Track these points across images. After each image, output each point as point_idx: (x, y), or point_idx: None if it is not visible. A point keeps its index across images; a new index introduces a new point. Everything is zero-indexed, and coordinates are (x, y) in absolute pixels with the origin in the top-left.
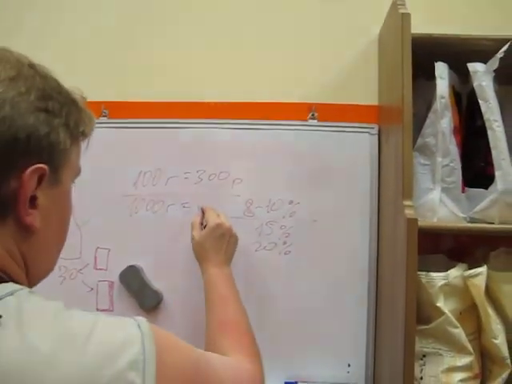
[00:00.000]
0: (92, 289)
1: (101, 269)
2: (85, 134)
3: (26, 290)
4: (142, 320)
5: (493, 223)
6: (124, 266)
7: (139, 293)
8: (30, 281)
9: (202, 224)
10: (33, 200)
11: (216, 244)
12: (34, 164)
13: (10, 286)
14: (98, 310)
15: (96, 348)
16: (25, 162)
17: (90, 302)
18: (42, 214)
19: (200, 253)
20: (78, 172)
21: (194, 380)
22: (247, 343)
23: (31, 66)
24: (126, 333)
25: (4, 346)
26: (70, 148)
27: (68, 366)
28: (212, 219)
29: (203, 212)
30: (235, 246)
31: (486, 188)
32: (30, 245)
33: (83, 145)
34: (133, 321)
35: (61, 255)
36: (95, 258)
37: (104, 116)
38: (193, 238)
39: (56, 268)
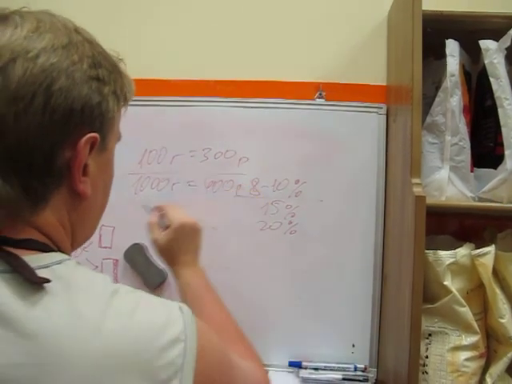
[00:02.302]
0: (97, 267)
1: (105, 247)
2: (127, 99)
3: (74, 260)
4: (183, 305)
5: (501, 203)
6: (128, 245)
7: (144, 271)
8: (73, 248)
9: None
10: (85, 168)
11: (184, 244)
12: (87, 133)
13: (57, 256)
14: None
15: (140, 323)
16: (79, 132)
17: None
18: (92, 180)
19: (168, 256)
20: (119, 137)
21: (225, 372)
22: (251, 348)
23: (77, 31)
24: (169, 312)
25: (52, 309)
26: (115, 114)
27: (112, 336)
28: (176, 218)
29: (160, 211)
30: (201, 239)
31: (495, 169)
32: (79, 212)
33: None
34: (175, 303)
35: None
36: (100, 235)
37: None
38: (155, 241)
39: None
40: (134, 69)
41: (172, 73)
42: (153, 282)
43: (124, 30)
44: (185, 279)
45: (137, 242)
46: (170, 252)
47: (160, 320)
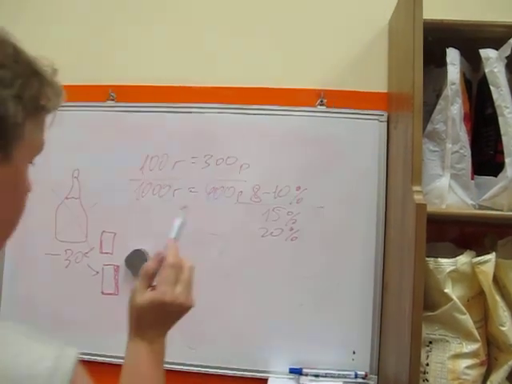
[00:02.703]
0: (97, 272)
1: (106, 253)
2: (47, 109)
3: None
4: (65, 356)
5: (501, 210)
6: (129, 251)
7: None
8: None
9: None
10: None
11: (157, 320)
12: None
13: None
14: (103, 293)
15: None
16: None
17: (95, 286)
18: None
19: (134, 321)
20: (37, 149)
21: None
22: None
23: None
24: (37, 366)
25: None
26: (22, 122)
27: None
28: (165, 291)
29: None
30: (182, 316)
31: (495, 176)
32: None
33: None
34: (55, 351)
35: (66, 238)
36: (101, 241)
37: (111, 99)
38: (133, 300)
39: (61, 251)
40: (136, 76)
41: (174, 80)
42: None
43: (125, 37)
44: (133, 349)
45: (138, 248)
46: (137, 319)
47: (20, 369)
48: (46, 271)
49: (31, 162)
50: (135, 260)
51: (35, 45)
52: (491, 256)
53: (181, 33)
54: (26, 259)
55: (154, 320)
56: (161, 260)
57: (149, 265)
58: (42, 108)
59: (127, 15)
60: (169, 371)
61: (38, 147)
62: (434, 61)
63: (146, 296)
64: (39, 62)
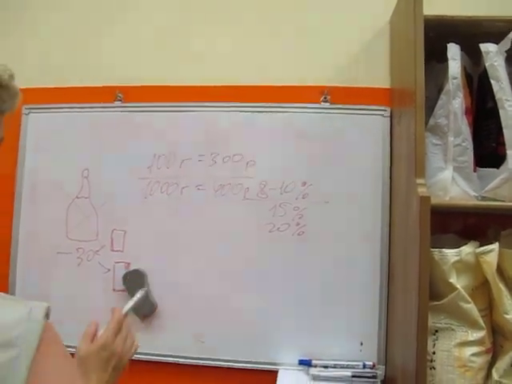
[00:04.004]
0: (109, 270)
1: (117, 250)
2: (1, 111)
3: None
4: (38, 309)
5: (503, 201)
6: (139, 248)
7: (138, 301)
8: None
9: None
10: None
11: (96, 363)
12: None
13: None
14: (114, 290)
15: None
16: None
17: (106, 283)
18: None
19: (79, 358)
20: None
21: None
22: None
23: None
24: (13, 314)
25: None
26: None
27: None
28: (106, 336)
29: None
30: (121, 370)
31: (497, 168)
32: None
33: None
34: (28, 306)
35: (78, 237)
36: (111, 239)
37: (119, 100)
38: (79, 350)
39: (73, 250)
40: (143, 76)
41: (179, 79)
42: (142, 312)
43: (131, 39)
44: None
45: (138, 268)
46: (83, 365)
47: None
48: (59, 269)
49: None
50: (133, 281)
51: (41, 48)
52: (494, 246)
53: (186, 33)
54: (38, 258)
55: (96, 365)
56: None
57: (92, 326)
58: None
59: (131, 16)
60: (179, 364)
61: None
62: (435, 56)
63: (89, 345)
64: None
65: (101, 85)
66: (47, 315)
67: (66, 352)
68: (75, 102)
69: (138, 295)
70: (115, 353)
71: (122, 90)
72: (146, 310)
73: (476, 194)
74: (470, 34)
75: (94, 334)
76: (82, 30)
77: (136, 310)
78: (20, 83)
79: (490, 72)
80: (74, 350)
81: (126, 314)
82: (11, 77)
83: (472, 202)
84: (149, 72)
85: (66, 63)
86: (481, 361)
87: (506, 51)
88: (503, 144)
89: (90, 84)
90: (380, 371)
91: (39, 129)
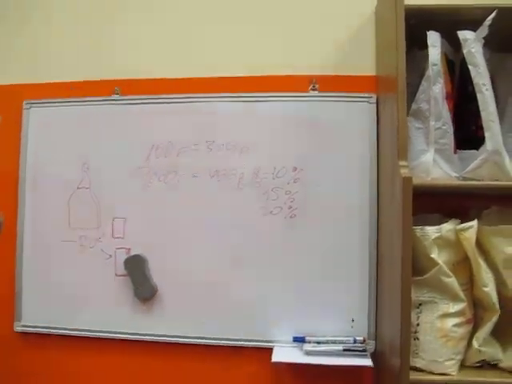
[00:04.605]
0: (110, 256)
1: (118, 237)
2: None
3: None
4: None
5: (483, 181)
6: (139, 234)
7: (138, 283)
8: None
9: None
10: None
11: None
12: None
13: None
14: (116, 275)
15: None
16: None
17: (109, 269)
18: None
19: None
20: None
21: None
22: None
23: None
24: None
25: None
26: None
27: None
28: None
29: None
30: None
31: (477, 150)
32: None
33: None
34: None
35: (80, 226)
36: (112, 227)
37: (116, 93)
38: None
39: (76, 238)
40: (139, 70)
41: (173, 72)
42: (143, 295)
43: (126, 34)
44: None
45: (137, 253)
46: None
47: None
48: (63, 257)
49: None
50: (133, 265)
51: (42, 44)
52: (473, 223)
53: (178, 27)
54: (43, 247)
55: None
56: None
57: None
58: None
59: (131, 11)
60: (181, 344)
61: None
62: (417, 44)
63: None
64: None
65: (99, 79)
66: None
67: None
68: (74, 97)
69: None
70: None
71: (119, 83)
72: (146, 294)
73: (457, 175)
74: (451, 21)
75: None
76: (81, 27)
77: (137, 293)
78: (20, 79)
79: (468, 58)
80: (83, 333)
81: None
82: None
83: (451, 181)
84: (144, 66)
85: (65, 59)
86: (462, 331)
87: (483, 37)
88: (482, 127)
89: (88, 78)
90: (370, 346)
91: (40, 123)
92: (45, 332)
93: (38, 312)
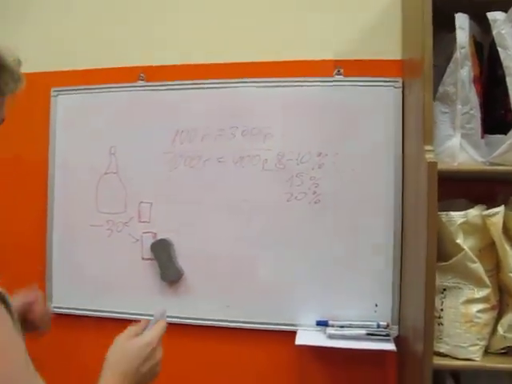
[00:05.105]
0: (137, 240)
1: (144, 221)
2: (3, 92)
3: None
4: None
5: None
6: (165, 218)
7: (164, 266)
8: None
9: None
10: None
11: (132, 363)
12: None
13: None
14: (143, 258)
15: None
16: None
17: (135, 252)
18: None
19: (111, 361)
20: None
21: None
22: None
23: None
24: None
25: None
26: None
27: None
28: (151, 337)
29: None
30: (153, 378)
31: (506, 134)
32: None
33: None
34: None
35: (107, 210)
36: (139, 211)
37: (141, 80)
38: (118, 339)
39: (104, 222)
40: (163, 56)
41: (198, 58)
42: (169, 278)
43: (151, 20)
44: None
45: (164, 237)
46: (113, 355)
47: None
48: (91, 241)
49: None
50: (159, 248)
51: (68, 32)
52: (500, 208)
53: (201, 12)
54: (72, 231)
55: (132, 360)
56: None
57: (141, 324)
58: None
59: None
60: (207, 327)
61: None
62: (445, 27)
63: (132, 338)
64: (3, 53)
65: (124, 66)
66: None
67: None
68: (100, 84)
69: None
70: (154, 356)
71: (144, 70)
72: (172, 277)
73: (484, 160)
74: (480, 2)
75: (140, 333)
76: (106, 15)
77: (163, 276)
78: (48, 67)
79: (498, 40)
80: (111, 314)
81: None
82: (16, 61)
83: (478, 166)
84: (169, 52)
85: (90, 47)
86: (486, 317)
87: None
88: (511, 111)
89: (114, 65)
90: (393, 331)
91: (67, 110)
92: (74, 313)
93: (67, 294)
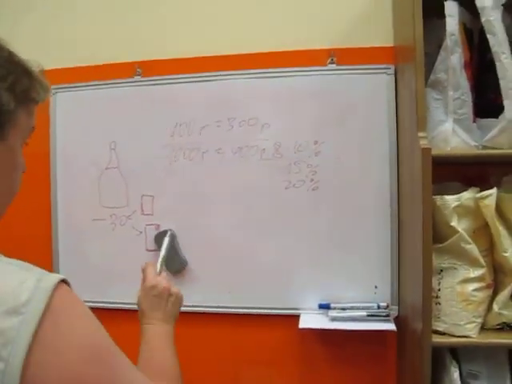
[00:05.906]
0: (141, 232)
1: (147, 214)
2: (35, 101)
3: None
4: (46, 277)
5: (502, 149)
6: (167, 210)
7: (168, 257)
8: None
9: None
10: None
11: (152, 304)
12: None
13: None
14: (147, 250)
15: None
16: None
17: (139, 244)
18: None
19: (139, 310)
20: (28, 132)
21: (92, 364)
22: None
23: None
24: (20, 282)
25: None
26: (15, 109)
27: None
28: (148, 279)
29: (143, 270)
30: (179, 305)
31: (497, 118)
32: None
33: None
34: (37, 274)
35: (110, 204)
36: (141, 204)
37: (138, 75)
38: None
39: (107, 216)
40: (159, 51)
41: (193, 51)
42: (173, 268)
43: (147, 15)
44: (143, 331)
45: (167, 229)
46: (139, 307)
47: (5, 288)
48: (96, 235)
49: (24, 143)
50: (163, 239)
51: (65, 31)
52: (493, 191)
53: (195, 6)
54: (76, 226)
55: (151, 305)
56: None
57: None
58: (31, 99)
59: None
60: (210, 314)
61: (28, 130)
62: (435, 13)
63: (139, 292)
64: (30, 63)
65: (120, 61)
66: (66, 284)
67: (84, 317)
68: (98, 80)
69: (165, 244)
70: (161, 289)
71: (140, 65)
72: (176, 267)
73: (476, 144)
74: None
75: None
76: (102, 12)
77: (167, 266)
78: (45, 65)
79: (486, 27)
80: (116, 305)
81: (162, 264)
82: (42, 71)
83: (471, 150)
84: (164, 46)
85: (86, 44)
86: (482, 295)
87: (502, 4)
88: (501, 95)
89: (111, 61)
90: (393, 311)
91: (66, 107)
92: None
93: (74, 288)
